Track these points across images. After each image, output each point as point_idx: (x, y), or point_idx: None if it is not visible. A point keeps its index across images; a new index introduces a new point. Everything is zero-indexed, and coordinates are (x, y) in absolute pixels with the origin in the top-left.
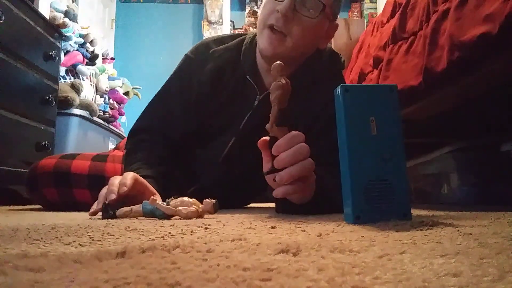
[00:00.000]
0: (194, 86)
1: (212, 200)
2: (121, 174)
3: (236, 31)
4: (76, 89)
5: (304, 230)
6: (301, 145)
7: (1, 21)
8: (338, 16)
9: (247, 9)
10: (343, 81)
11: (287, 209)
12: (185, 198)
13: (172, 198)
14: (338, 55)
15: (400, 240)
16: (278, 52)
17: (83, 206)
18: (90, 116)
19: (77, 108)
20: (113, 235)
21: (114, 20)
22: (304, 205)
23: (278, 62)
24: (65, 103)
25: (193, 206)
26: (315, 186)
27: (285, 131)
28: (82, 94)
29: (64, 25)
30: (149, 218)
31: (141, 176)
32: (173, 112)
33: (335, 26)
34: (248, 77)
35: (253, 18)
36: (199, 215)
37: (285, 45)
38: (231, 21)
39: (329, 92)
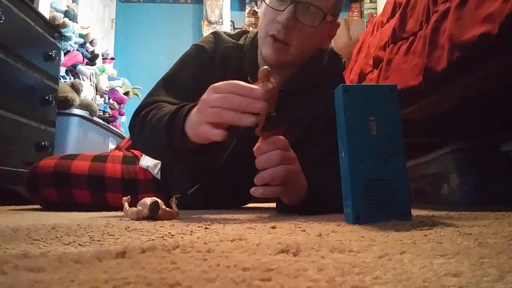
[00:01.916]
0: (206, 74)
1: (153, 199)
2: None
3: (236, 31)
4: (76, 89)
5: (304, 230)
6: (274, 153)
7: (1, 21)
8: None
9: (247, 9)
10: (343, 82)
11: (287, 209)
12: (148, 199)
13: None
14: (339, 56)
15: (400, 240)
16: (281, 60)
17: (83, 207)
18: (90, 116)
19: (77, 108)
20: (113, 235)
21: (114, 20)
22: (301, 205)
23: (265, 67)
24: (65, 103)
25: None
26: (305, 189)
27: (272, 135)
28: (82, 94)
29: (64, 25)
30: (149, 218)
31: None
32: (182, 98)
33: (337, 24)
34: (249, 78)
35: (253, 18)
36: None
37: (288, 53)
38: (231, 21)
39: (329, 93)
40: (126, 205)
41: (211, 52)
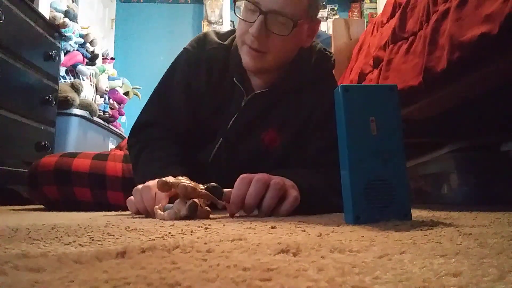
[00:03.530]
0: (193, 79)
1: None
2: (133, 173)
3: (226, 31)
4: (76, 89)
5: (304, 230)
6: (253, 188)
7: (1, 21)
8: (338, 16)
9: None
10: (333, 81)
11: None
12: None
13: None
14: (327, 55)
15: (400, 240)
16: (260, 67)
17: (83, 205)
18: (90, 116)
19: (77, 108)
20: (113, 235)
21: (114, 20)
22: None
23: (159, 183)
24: (65, 103)
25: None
26: (299, 191)
27: (230, 193)
28: (82, 94)
29: (64, 25)
30: (149, 218)
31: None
32: (177, 107)
33: (317, 22)
34: (234, 79)
35: None
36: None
37: (266, 60)
38: (231, 21)
39: (319, 92)
40: (158, 211)
41: (196, 55)
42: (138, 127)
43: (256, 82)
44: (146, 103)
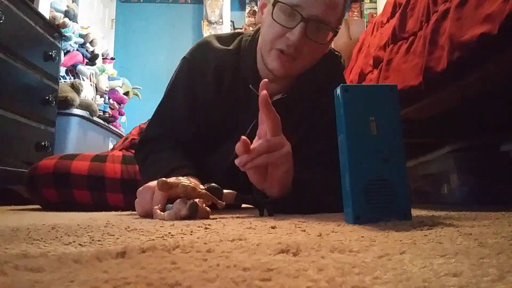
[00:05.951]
0: (198, 89)
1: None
2: (140, 175)
3: (229, 33)
4: (76, 89)
5: (304, 230)
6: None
7: (1, 21)
8: None
9: (247, 9)
10: (344, 82)
11: (272, 209)
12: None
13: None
14: (338, 57)
15: (400, 240)
16: (289, 73)
17: (82, 207)
18: (90, 116)
19: (77, 108)
20: (113, 235)
21: (114, 20)
22: (285, 200)
23: (159, 183)
24: (65, 103)
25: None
26: (290, 182)
27: (233, 194)
28: (82, 94)
29: (64, 25)
30: (149, 218)
31: (176, 167)
32: (181, 119)
33: (337, 32)
34: (250, 86)
35: (253, 18)
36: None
37: (296, 66)
38: (231, 21)
39: (330, 95)
40: (158, 212)
41: (199, 64)
42: (144, 141)
43: (272, 85)
44: (151, 118)
